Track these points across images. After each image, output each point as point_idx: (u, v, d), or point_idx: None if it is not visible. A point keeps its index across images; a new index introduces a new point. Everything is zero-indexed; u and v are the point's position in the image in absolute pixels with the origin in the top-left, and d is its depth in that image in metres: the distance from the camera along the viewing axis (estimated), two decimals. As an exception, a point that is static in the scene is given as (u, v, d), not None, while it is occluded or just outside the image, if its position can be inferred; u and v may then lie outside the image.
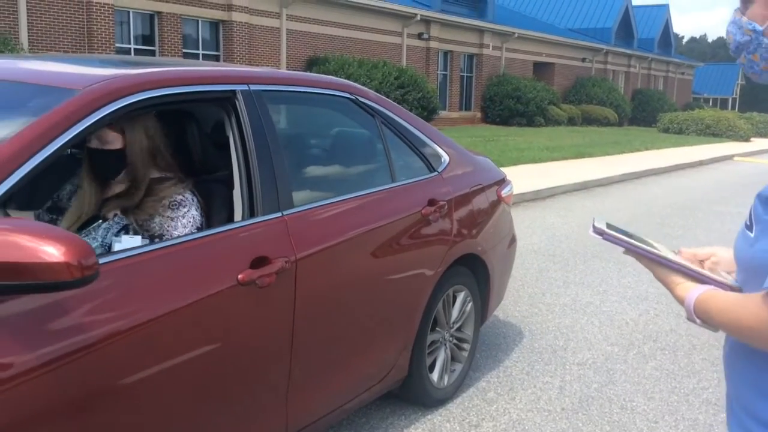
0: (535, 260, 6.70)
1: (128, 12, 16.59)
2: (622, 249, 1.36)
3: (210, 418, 2.18)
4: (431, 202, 3.26)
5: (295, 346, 2.46)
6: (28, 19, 14.36)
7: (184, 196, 2.41)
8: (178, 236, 2.27)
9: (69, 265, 1.54)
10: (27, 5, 14.31)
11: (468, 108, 28.98)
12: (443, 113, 25.12)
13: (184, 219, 2.37)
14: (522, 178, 11.37)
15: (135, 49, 16.93)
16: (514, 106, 28.04)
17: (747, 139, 28.75)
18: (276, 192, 2.46)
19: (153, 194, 2.41)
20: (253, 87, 2.53)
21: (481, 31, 28.28)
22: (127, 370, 1.88)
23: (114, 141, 2.33)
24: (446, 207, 3.36)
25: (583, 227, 8.17)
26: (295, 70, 5.19)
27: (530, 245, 7.29)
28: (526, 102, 27.99)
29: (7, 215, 2.28)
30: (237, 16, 18.50)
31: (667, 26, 44.81)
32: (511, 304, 5.24)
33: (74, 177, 2.55)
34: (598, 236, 1.33)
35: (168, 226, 2.35)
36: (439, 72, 26.94)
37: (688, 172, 16.05)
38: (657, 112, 35.30)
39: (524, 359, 4.20)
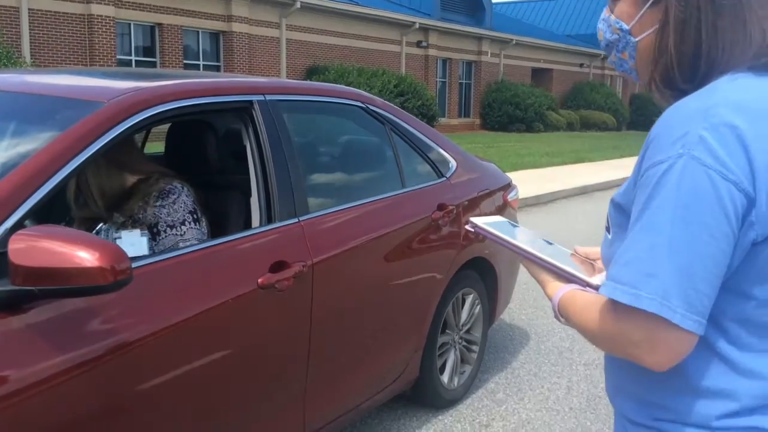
0: (539, 264, 6.75)
1: (129, 24, 16.71)
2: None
3: (230, 419, 2.24)
4: (440, 207, 3.34)
5: (312, 348, 2.52)
6: (30, 33, 14.48)
7: (172, 185, 2.49)
8: (173, 221, 2.40)
9: (103, 270, 1.61)
10: (29, 19, 14.43)
11: (467, 115, 29.10)
12: (443, 120, 25.24)
13: (174, 205, 2.45)
14: (522, 183, 11.44)
15: (136, 60, 17.06)
16: (513, 112, 28.16)
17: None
18: (292, 198, 2.54)
19: (136, 195, 2.50)
20: (268, 97, 2.61)
21: (479, 39, 28.44)
22: (151, 372, 1.95)
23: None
24: (455, 211, 3.43)
25: (584, 232, 8.24)
26: (294, 80, 5.27)
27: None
28: (524, 108, 28.11)
29: None
30: (237, 27, 18.62)
31: (664, 31, 44.89)
32: (517, 308, 5.31)
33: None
34: (471, 230, 1.33)
35: (160, 213, 2.44)
36: (438, 79, 27.08)
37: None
38: (655, 116, 35.13)
39: (531, 360, 4.26)
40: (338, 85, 3.24)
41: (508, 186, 4.16)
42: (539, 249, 1.29)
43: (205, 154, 2.67)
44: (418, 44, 25.48)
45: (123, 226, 2.41)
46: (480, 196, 3.75)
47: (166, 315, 1.98)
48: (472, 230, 1.33)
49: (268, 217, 2.48)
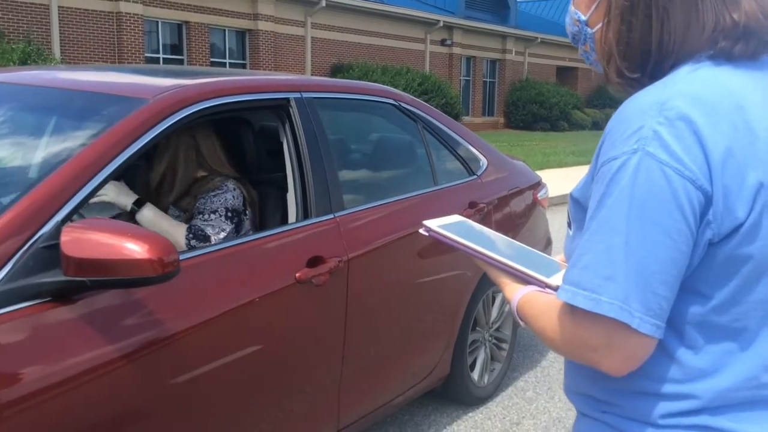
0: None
1: (157, 22, 16.89)
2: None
3: (266, 412, 2.27)
4: (471, 205, 3.35)
5: (348, 343, 2.55)
6: (60, 30, 14.69)
7: (225, 183, 2.58)
8: (204, 209, 2.51)
9: (152, 262, 1.65)
10: (59, 17, 14.64)
11: (491, 113, 29.00)
12: (466, 119, 25.19)
13: (215, 198, 2.54)
14: (549, 182, 11.36)
15: (163, 58, 17.23)
16: (538, 111, 28.01)
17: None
18: (328, 194, 2.57)
19: (191, 193, 2.57)
20: (305, 94, 2.64)
21: (503, 37, 28.32)
22: (193, 364, 1.99)
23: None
24: (486, 209, 3.44)
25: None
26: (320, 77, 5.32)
27: (561, 248, 7.33)
28: (549, 107, 27.95)
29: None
30: (263, 25, 18.74)
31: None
32: (545, 306, 5.30)
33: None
34: (425, 233, 1.29)
35: (200, 202, 2.54)
36: (462, 77, 27.02)
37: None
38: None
39: (561, 359, 4.26)
40: (372, 83, 3.27)
41: (538, 184, 4.16)
42: (498, 250, 1.25)
43: (242, 150, 2.71)
44: (443, 42, 25.43)
45: (177, 219, 2.49)
46: (510, 195, 3.75)
47: (210, 307, 2.02)
48: (426, 234, 1.28)
49: (305, 213, 2.51)
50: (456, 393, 3.49)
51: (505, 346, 3.82)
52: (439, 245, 3.06)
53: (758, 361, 1.02)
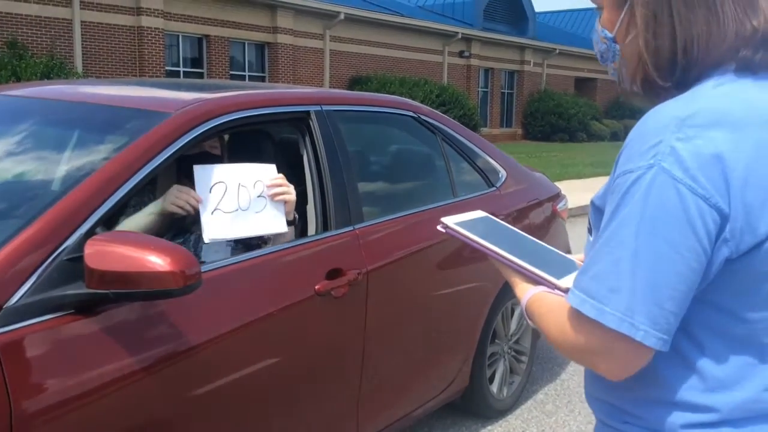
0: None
1: (177, 36, 17.08)
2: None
3: (286, 425, 2.28)
4: (491, 217, 3.34)
5: (367, 355, 2.55)
6: (82, 44, 14.90)
7: None
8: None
9: (174, 274, 1.67)
10: (82, 31, 14.85)
11: (509, 124, 28.96)
12: (484, 130, 25.17)
13: None
14: (568, 193, 11.32)
15: (184, 71, 17.41)
16: (556, 122, 27.93)
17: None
18: (347, 206, 2.58)
19: None
20: (325, 107, 2.66)
21: (522, 48, 28.31)
22: (212, 376, 2.00)
23: (219, 147, 2.52)
24: (505, 221, 3.43)
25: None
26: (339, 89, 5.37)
27: (580, 260, 7.28)
28: (568, 118, 27.86)
29: None
30: (282, 38, 18.89)
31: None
32: (564, 319, 5.26)
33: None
34: (442, 231, 1.30)
35: None
36: (480, 89, 27.03)
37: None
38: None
39: (580, 372, 4.22)
40: (391, 96, 3.29)
41: (557, 196, 4.15)
42: (514, 249, 1.26)
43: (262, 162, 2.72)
44: (461, 54, 25.47)
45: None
46: (529, 206, 3.74)
47: (230, 320, 2.04)
48: (443, 231, 1.30)
49: (324, 225, 2.52)
50: (475, 405, 3.47)
51: (524, 358, 3.80)
52: (458, 257, 3.08)
53: None
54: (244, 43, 18.61)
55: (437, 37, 24.22)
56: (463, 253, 3.12)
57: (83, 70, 14.82)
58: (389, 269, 2.67)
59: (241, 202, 2.23)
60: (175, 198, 2.18)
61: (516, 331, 3.70)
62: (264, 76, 19.12)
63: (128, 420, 1.77)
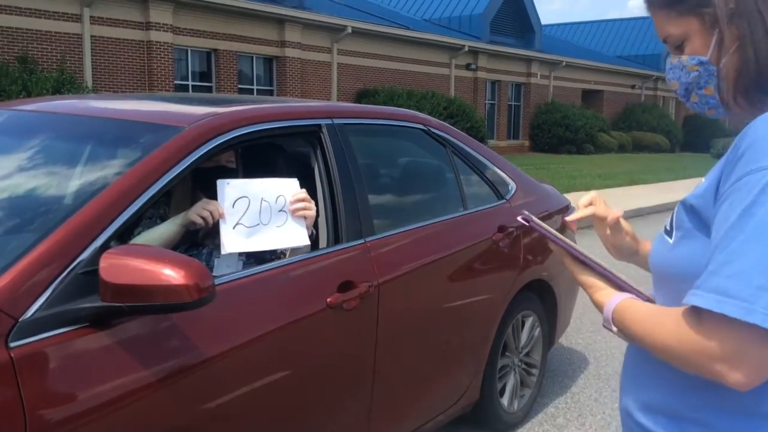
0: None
1: (186, 50, 17.21)
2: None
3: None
4: (501, 229, 3.35)
5: (378, 368, 2.55)
6: (92, 59, 15.03)
7: None
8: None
9: (188, 287, 1.68)
10: (91, 46, 14.99)
11: (516, 137, 28.98)
12: (491, 142, 25.18)
13: None
14: (576, 205, 11.32)
15: (193, 85, 17.53)
16: (563, 134, 27.93)
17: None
18: (359, 219, 2.59)
19: None
20: (336, 120, 2.67)
21: (528, 61, 28.37)
22: (225, 389, 2.00)
23: (234, 161, 2.53)
24: (515, 233, 3.43)
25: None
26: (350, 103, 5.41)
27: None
28: (575, 130, 27.87)
29: None
30: (290, 52, 19.00)
31: (719, 51, 44.07)
32: (574, 331, 5.25)
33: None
34: (524, 222, 1.30)
35: None
36: (487, 101, 27.08)
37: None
38: (710, 137, 34.66)
39: (591, 385, 4.21)
40: (401, 109, 3.30)
41: (567, 208, 4.15)
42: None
43: (273, 176, 2.73)
44: (468, 67, 25.54)
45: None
46: (539, 218, 3.74)
47: (243, 332, 2.04)
48: (527, 223, 1.29)
49: (336, 238, 2.53)
50: (486, 419, 3.46)
51: (534, 371, 3.79)
52: (468, 270, 3.07)
53: None
54: (252, 57, 18.73)
55: (444, 50, 24.31)
56: (474, 266, 3.12)
57: (93, 84, 14.94)
58: (400, 282, 2.67)
59: (263, 216, 2.25)
60: (201, 209, 2.20)
61: (527, 344, 3.69)
62: (272, 90, 19.22)
63: (142, 433, 1.77)
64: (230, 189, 2.21)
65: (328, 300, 2.31)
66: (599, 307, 1.20)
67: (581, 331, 5.29)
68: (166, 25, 16.08)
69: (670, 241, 1.14)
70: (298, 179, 2.82)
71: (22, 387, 1.56)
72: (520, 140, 28.87)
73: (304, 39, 19.47)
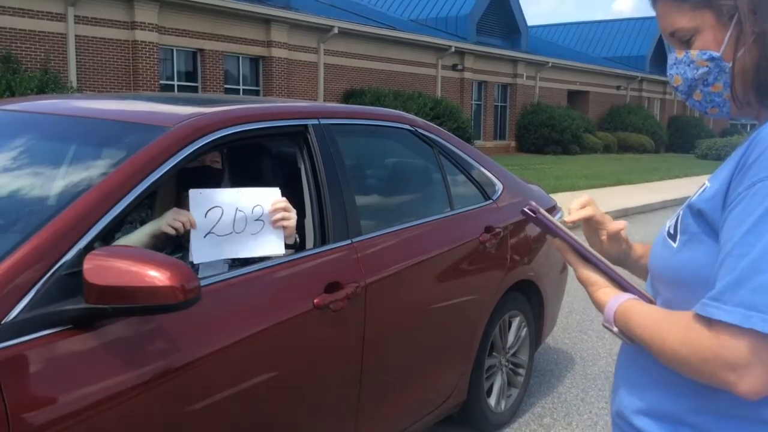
0: (581, 287, 6.69)
1: (172, 50, 17.12)
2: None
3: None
4: (488, 229, 3.35)
5: (365, 369, 2.54)
6: (76, 59, 14.91)
7: None
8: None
9: (173, 289, 1.66)
10: (76, 45, 14.87)
11: (502, 137, 29.06)
12: (478, 142, 25.24)
13: None
14: (563, 205, 11.36)
15: (178, 85, 17.43)
16: (549, 135, 28.04)
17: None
18: (345, 220, 2.58)
19: None
20: (322, 121, 2.66)
21: (514, 62, 28.46)
22: (211, 390, 1.99)
23: (220, 161, 2.52)
24: (502, 234, 3.44)
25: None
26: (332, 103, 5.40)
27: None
28: (561, 130, 27.98)
29: None
30: (276, 52, 18.95)
31: (703, 52, 44.39)
32: (561, 331, 5.26)
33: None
34: (530, 213, 1.25)
35: None
36: (473, 102, 27.14)
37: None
38: (694, 138, 34.94)
39: (578, 385, 4.22)
40: (388, 109, 3.30)
41: (553, 209, 4.16)
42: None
43: (259, 176, 2.73)
44: (454, 67, 25.59)
45: None
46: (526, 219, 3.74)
47: (229, 334, 2.02)
48: (533, 214, 1.24)
49: (322, 239, 2.52)
50: (473, 419, 3.46)
51: (521, 371, 3.79)
52: (455, 270, 3.07)
53: None
54: (238, 57, 18.66)
55: (431, 51, 24.34)
56: (461, 266, 3.12)
57: (78, 84, 14.82)
58: (387, 282, 2.66)
59: (237, 225, 2.23)
60: (172, 220, 2.17)
61: (514, 344, 3.69)
62: (258, 90, 19.16)
63: (127, 436, 1.76)
64: (203, 198, 2.19)
65: (315, 301, 2.30)
66: (600, 305, 1.18)
67: (568, 330, 5.31)
68: (152, 24, 15.98)
69: (674, 244, 1.12)
70: (285, 179, 2.81)
71: (5, 390, 1.54)
72: (506, 141, 28.95)
73: (290, 39, 19.43)
